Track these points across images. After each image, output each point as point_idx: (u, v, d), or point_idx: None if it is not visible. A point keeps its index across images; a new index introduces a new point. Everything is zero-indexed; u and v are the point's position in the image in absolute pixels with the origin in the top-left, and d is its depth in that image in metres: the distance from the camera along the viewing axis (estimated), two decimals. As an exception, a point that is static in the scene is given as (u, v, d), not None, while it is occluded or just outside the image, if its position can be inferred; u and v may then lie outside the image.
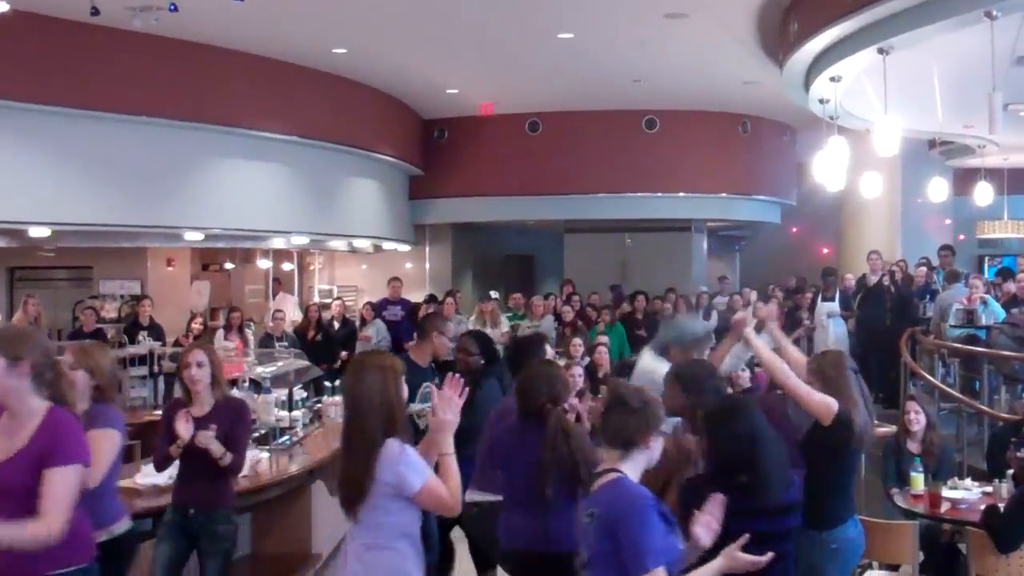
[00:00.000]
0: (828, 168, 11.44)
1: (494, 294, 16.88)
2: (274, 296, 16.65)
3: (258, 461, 7.22)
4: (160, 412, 10.42)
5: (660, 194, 18.94)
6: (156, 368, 11.90)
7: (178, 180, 13.57)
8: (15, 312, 14.49)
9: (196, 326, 13.56)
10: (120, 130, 12.78)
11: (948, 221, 20.78)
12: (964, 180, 19.77)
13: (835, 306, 14.41)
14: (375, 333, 15.02)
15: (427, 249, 20.80)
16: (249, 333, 13.53)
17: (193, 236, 14.52)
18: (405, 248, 20.05)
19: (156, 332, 12.92)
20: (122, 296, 17.32)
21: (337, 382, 11.18)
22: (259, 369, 10.04)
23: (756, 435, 4.37)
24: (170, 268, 17.84)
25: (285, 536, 7.41)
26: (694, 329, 6.30)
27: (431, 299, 17.19)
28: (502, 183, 18.95)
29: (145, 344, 11.67)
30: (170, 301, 16.06)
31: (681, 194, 19.05)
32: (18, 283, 18.31)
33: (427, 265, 20.81)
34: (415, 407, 6.57)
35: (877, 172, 13.27)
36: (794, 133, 20.56)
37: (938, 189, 15.68)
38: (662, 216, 19.16)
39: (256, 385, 9.22)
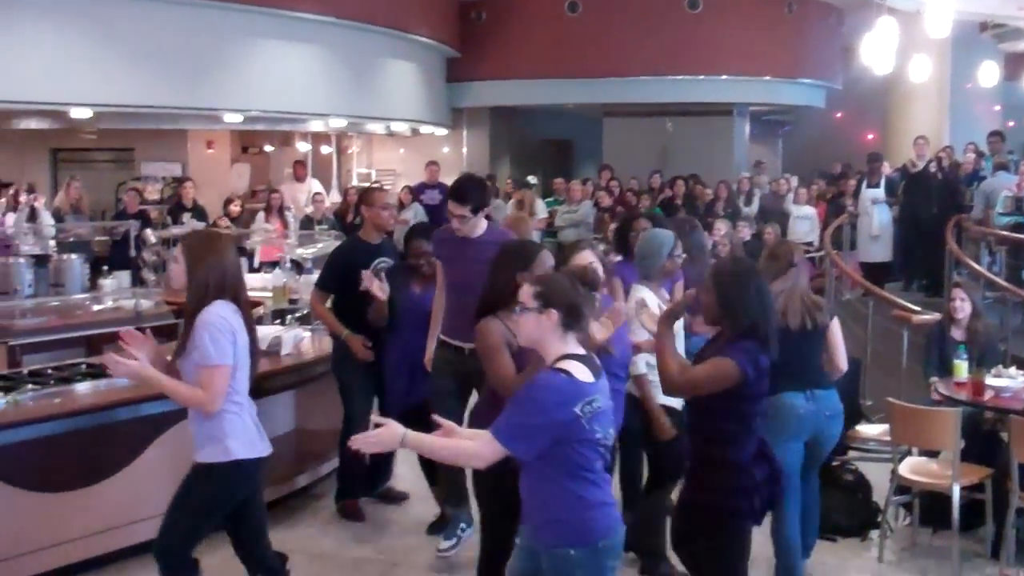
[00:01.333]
0: (876, 50, 11.21)
1: (532, 179, 16.79)
2: (298, 180, 16.55)
3: (301, 340, 7.30)
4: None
5: (702, 77, 18.63)
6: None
7: (218, 62, 13.51)
8: (57, 193, 14.61)
9: (234, 208, 13.62)
10: (160, 11, 12.70)
11: (998, 107, 20.38)
12: (1016, 65, 19.34)
13: (880, 193, 14.21)
14: (413, 216, 15.00)
15: (464, 133, 20.68)
16: (289, 215, 13.59)
17: (232, 118, 14.52)
18: (442, 132, 19.93)
19: (199, 214, 12.99)
20: (164, 178, 17.39)
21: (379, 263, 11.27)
22: (300, 251, 10.11)
23: (763, 289, 4.50)
24: (210, 150, 17.86)
25: (327, 412, 7.51)
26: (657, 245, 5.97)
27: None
28: (540, 65, 18.67)
29: (189, 225, 11.75)
30: (210, 183, 16.11)
31: (724, 77, 18.73)
32: (61, 164, 18.43)
33: (464, 149, 20.70)
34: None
35: (926, 55, 12.99)
36: (841, 15, 20.10)
37: (989, 73, 15.37)
38: (704, 100, 18.88)
39: (298, 266, 9.30)
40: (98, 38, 12.22)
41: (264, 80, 14.18)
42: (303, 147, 19.04)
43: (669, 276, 6.02)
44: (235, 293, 4.53)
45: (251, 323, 4.62)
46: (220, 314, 4.43)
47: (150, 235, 10.69)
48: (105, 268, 10.37)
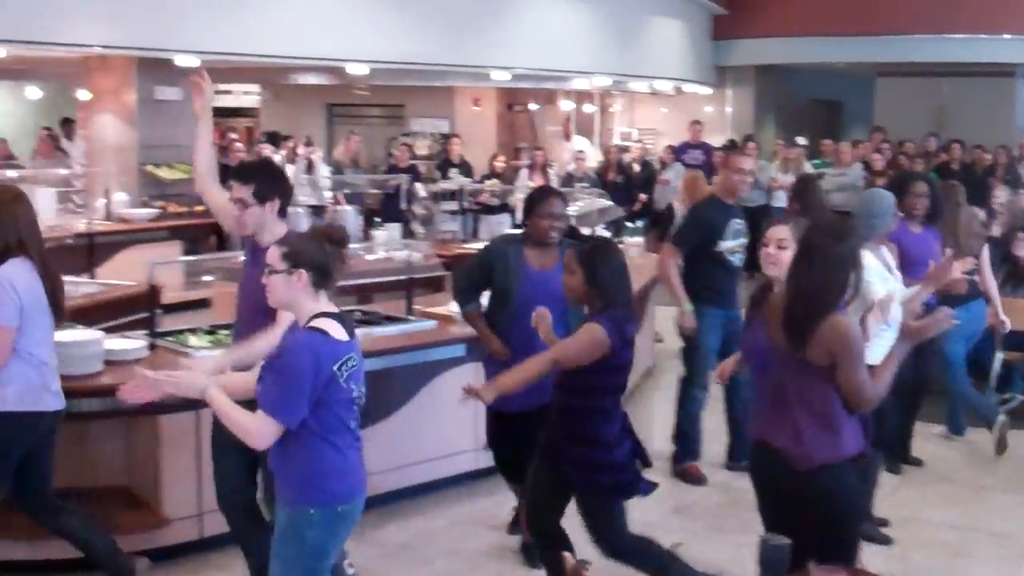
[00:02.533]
0: None
1: (801, 140, 16.34)
2: (566, 138, 16.73)
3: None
4: (469, 246, 10.86)
5: (983, 36, 17.56)
6: (465, 204, 12.30)
7: (487, 20, 13.75)
8: (335, 147, 15.31)
9: (498, 164, 13.87)
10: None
11: None
12: None
13: None
14: (674, 176, 14.92)
15: (729, 92, 20.29)
16: (551, 173, 13.74)
17: (500, 76, 14.76)
18: (706, 91, 19.64)
19: (466, 169, 13.31)
20: (432, 134, 17.93)
21: (639, 223, 11.29)
22: (562, 208, 10.17)
23: (623, 264, 4.68)
24: (476, 108, 18.23)
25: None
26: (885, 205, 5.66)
27: (731, 144, 16.87)
28: (810, 22, 18.03)
29: (456, 180, 12.07)
30: (476, 140, 16.46)
31: (1006, 36, 17.59)
32: (336, 119, 19.27)
33: (728, 109, 20.34)
34: (726, 245, 6.64)
35: None
36: None
37: None
38: (984, 60, 17.81)
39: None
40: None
41: (531, 38, 14.33)
42: (566, 105, 19.19)
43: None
44: (29, 249, 4.58)
45: (51, 279, 4.67)
46: (6, 274, 4.50)
47: (420, 189, 11.07)
48: (377, 220, 10.78)
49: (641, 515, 5.91)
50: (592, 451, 4.53)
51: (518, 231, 5.55)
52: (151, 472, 5.38)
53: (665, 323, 7.33)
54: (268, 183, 4.64)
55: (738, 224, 6.69)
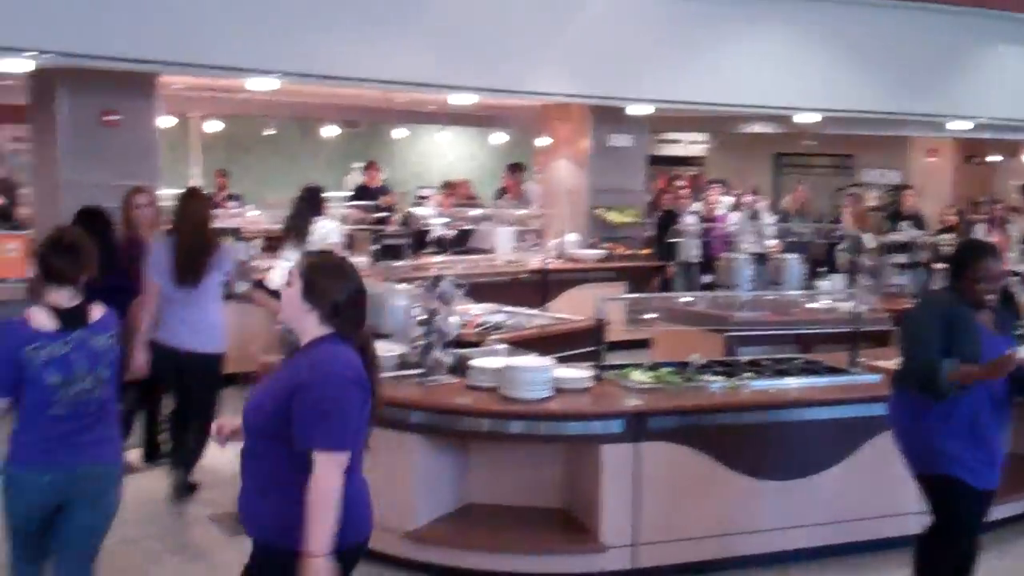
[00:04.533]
0: None
1: None
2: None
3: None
4: (917, 300, 10.42)
5: None
6: (915, 257, 11.89)
7: (947, 67, 13.35)
8: (784, 197, 15.28)
9: (949, 218, 13.30)
10: (891, 17, 12.79)
11: None
12: None
13: None
14: None
15: None
16: (1012, 228, 13.03)
17: (959, 125, 14.14)
18: None
19: (918, 222, 12.82)
20: (882, 185, 17.46)
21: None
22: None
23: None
24: (931, 159, 17.56)
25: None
26: None
27: None
28: None
29: (906, 233, 11.67)
30: (930, 192, 15.83)
31: None
32: (783, 168, 19.20)
33: None
34: None
35: None
36: None
37: None
38: None
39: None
40: (827, 44, 12.61)
41: (996, 85, 13.74)
42: (1030, 158, 18.08)
43: None
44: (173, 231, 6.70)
45: (181, 254, 6.58)
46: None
47: (868, 240, 10.80)
48: (821, 270, 10.62)
49: None
50: None
51: (946, 291, 4.84)
52: (591, 498, 5.57)
53: None
54: None
55: None
